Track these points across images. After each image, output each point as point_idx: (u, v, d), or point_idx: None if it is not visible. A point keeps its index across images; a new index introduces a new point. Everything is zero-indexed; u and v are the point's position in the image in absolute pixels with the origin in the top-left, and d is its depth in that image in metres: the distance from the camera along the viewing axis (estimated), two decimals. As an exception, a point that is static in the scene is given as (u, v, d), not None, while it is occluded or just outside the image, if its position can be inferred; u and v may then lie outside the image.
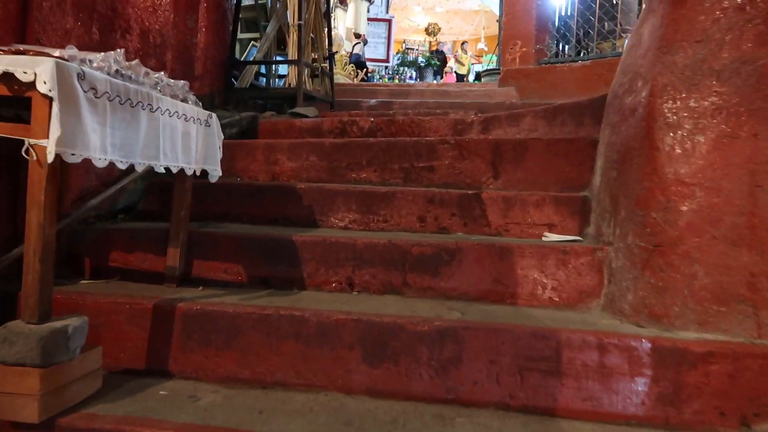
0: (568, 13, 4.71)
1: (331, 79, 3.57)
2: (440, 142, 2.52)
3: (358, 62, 9.39)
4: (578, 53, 4.80)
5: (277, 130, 3.10)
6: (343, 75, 6.20)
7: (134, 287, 1.92)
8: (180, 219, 1.94)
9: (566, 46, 4.73)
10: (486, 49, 18.13)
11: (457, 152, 2.50)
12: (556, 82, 4.58)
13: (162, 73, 1.78)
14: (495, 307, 1.78)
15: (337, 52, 6.89)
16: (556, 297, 1.80)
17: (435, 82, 15.50)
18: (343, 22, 7.19)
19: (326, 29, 3.68)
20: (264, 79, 3.86)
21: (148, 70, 1.71)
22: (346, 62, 6.48)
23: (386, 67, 13.58)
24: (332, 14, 7.39)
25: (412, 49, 16.81)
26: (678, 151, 1.56)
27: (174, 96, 1.81)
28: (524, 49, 4.80)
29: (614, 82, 2.14)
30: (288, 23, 3.30)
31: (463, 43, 14.81)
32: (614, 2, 4.97)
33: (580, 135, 2.60)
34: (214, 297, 1.79)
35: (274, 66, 3.86)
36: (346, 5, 7.21)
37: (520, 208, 2.14)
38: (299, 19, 3.21)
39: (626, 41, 5.15)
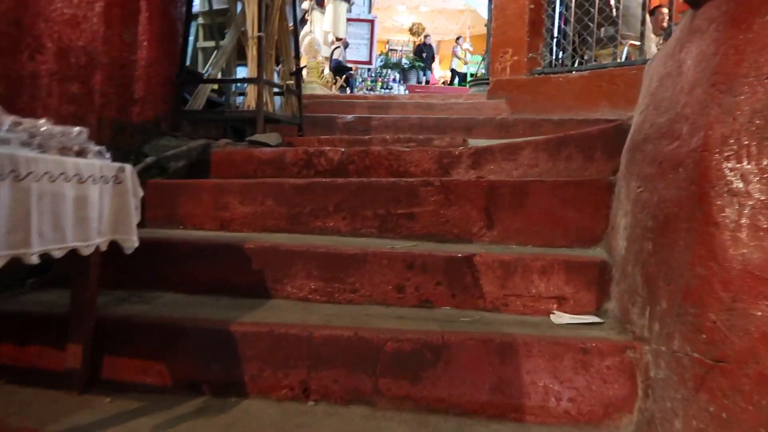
0: (564, 18, 4.29)
1: (299, 97, 3.11)
2: (422, 184, 2.08)
3: (339, 67, 8.91)
4: (575, 62, 4.38)
5: (232, 162, 2.64)
6: (319, 84, 5.75)
7: (23, 396, 1.46)
8: (83, 306, 1.48)
9: (562, 55, 4.31)
10: (472, 49, 17.72)
11: (442, 196, 2.06)
12: (552, 94, 4.16)
13: (43, 120, 1.31)
14: (496, 425, 1.34)
15: (313, 58, 6.43)
16: (574, 411, 1.36)
17: (424, 77, 15.07)
18: (320, 26, 6.74)
19: (294, 40, 3.22)
20: (226, 98, 3.41)
21: (20, 120, 1.25)
22: (323, 70, 6.02)
23: (369, 69, 13.12)
24: (308, 17, 6.92)
25: (396, 50, 16.35)
26: (746, 230, 1.14)
27: (64, 150, 1.35)
28: (515, 57, 4.37)
29: (640, 117, 1.71)
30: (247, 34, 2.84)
31: (458, 38, 14.30)
32: (613, 6, 4.56)
33: (589, 173, 2.17)
34: (123, 417, 1.34)
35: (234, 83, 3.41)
36: (323, 8, 6.75)
37: (521, 276, 1.71)
38: (260, 30, 2.75)
39: (625, 49, 4.74)
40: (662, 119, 1.47)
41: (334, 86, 6.38)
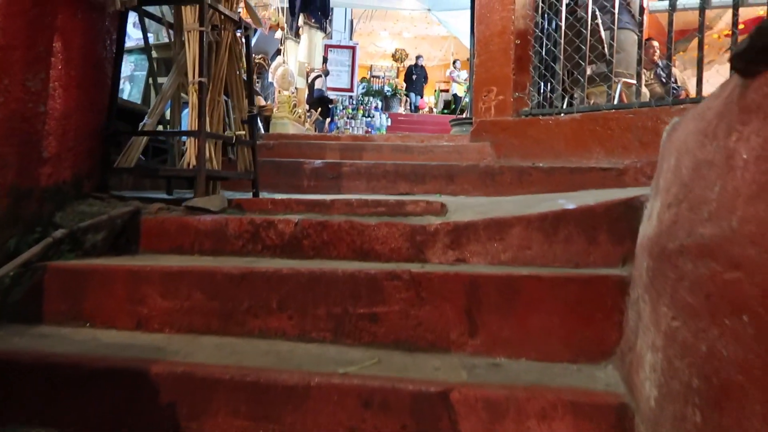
0: (553, 56, 3.94)
1: (253, 149, 2.69)
2: (389, 276, 1.66)
3: (322, 98, 8.54)
4: (565, 103, 4.03)
5: (165, 233, 2.20)
6: (291, 120, 5.35)
7: None
8: None
9: (551, 95, 3.95)
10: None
11: (413, 293, 1.64)
12: (541, 137, 3.79)
13: None
14: None
15: (286, 91, 6.03)
16: None
17: (414, 101, 14.73)
18: (294, 56, 6.36)
19: (248, 83, 2.81)
20: (170, 150, 2.97)
21: None
22: (294, 104, 5.62)
23: (350, 97, 12.78)
24: (282, 47, 6.55)
25: (379, 76, 16.07)
26: None
27: None
28: (501, 96, 4.01)
29: (669, 214, 1.31)
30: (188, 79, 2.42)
31: (454, 62, 14.04)
32: (606, 43, 4.23)
33: (593, 258, 1.76)
34: None
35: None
36: (299, 37, 6.39)
37: (514, 421, 1.28)
38: (201, 73, 2.34)
39: (619, 86, 4.41)
40: (707, 230, 1.06)
41: (307, 122, 5.98)
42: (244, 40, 2.78)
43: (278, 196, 2.70)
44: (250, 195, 2.86)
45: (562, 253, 1.81)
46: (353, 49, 12.95)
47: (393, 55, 17.66)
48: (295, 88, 6.70)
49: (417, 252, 1.96)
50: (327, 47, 12.79)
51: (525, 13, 4.03)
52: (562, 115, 3.78)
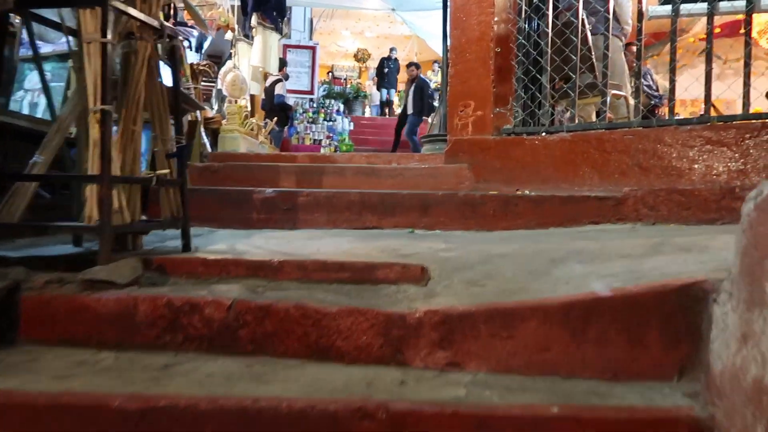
0: (539, 67, 3.47)
1: (183, 189, 2.12)
2: (356, 415, 1.13)
3: (283, 105, 7.94)
4: (553, 120, 3.58)
5: (53, 318, 1.63)
6: (243, 133, 4.75)
7: None
8: None
9: (538, 110, 3.48)
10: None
11: (392, 439, 1.12)
12: (526, 160, 3.31)
13: None
14: None
15: (235, 101, 5.42)
16: None
17: (387, 96, 14.09)
18: (247, 59, 5.76)
19: (175, 106, 2.23)
20: (74, 196, 2.38)
21: None
22: (246, 114, 5.00)
23: (311, 100, 12.17)
24: (233, 51, 5.93)
25: (339, 77, 15.48)
26: None
27: None
28: (479, 112, 3.52)
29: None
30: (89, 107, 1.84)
31: (434, 62, 13.47)
32: (595, 50, 3.79)
33: (638, 367, 1.27)
34: None
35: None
36: (251, 39, 5.78)
37: None
38: (104, 99, 1.77)
39: (608, 98, 3.97)
40: None
41: (261, 133, 5.37)
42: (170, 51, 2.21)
43: (214, 251, 2.13)
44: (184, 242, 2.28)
45: (594, 358, 1.32)
46: (313, 49, 12.33)
47: (355, 56, 17.10)
48: (249, 95, 6.09)
49: (393, 351, 1.44)
50: (285, 47, 12.16)
51: (506, 16, 3.55)
52: (550, 134, 3.31)
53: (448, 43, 4.11)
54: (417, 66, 9.83)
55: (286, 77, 8.77)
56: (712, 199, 2.74)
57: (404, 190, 3.31)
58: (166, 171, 2.08)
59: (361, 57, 16.92)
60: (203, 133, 4.26)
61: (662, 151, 3.00)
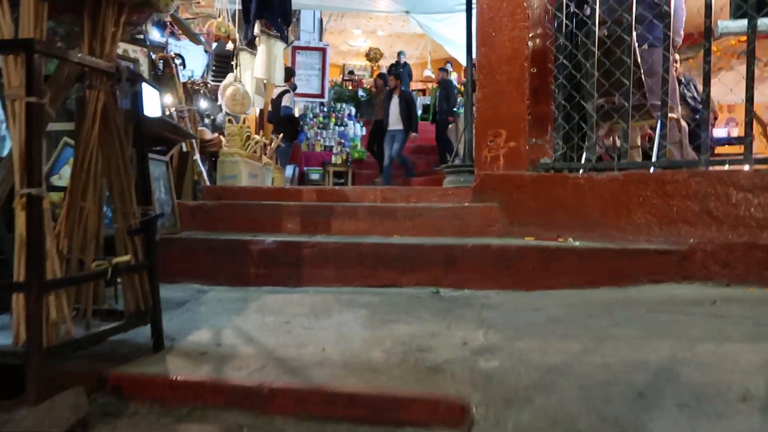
0: (581, 89, 2.97)
1: (152, 271, 1.67)
2: None
3: (290, 117, 7.45)
4: (600, 157, 3.08)
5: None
6: (243, 156, 4.28)
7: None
8: None
9: (583, 143, 2.98)
10: (433, 76, 16.52)
11: None
12: (568, 201, 2.82)
13: None
14: None
15: (234, 120, 4.95)
16: None
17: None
18: (250, 71, 5.29)
19: (139, 172, 1.77)
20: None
21: None
22: (248, 135, 4.52)
23: (321, 104, 11.71)
24: (233, 62, 5.45)
25: (351, 79, 14.94)
26: None
27: None
28: (512, 143, 3.03)
29: None
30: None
31: (447, 62, 12.54)
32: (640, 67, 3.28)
33: None
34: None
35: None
36: (254, 48, 5.31)
37: None
38: (29, 180, 1.31)
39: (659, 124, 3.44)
40: None
41: (266, 153, 4.89)
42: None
43: (192, 349, 1.67)
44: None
45: None
46: (323, 51, 11.83)
47: (367, 55, 16.58)
48: (254, 109, 5.63)
49: None
50: (294, 49, 11.70)
51: (543, 31, 3.05)
52: (597, 171, 2.81)
53: (473, 57, 3.61)
54: (397, 76, 9.06)
55: (294, 87, 8.28)
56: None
57: (425, 237, 2.84)
58: (127, 257, 1.62)
59: (373, 56, 16.39)
60: (200, 161, 3.81)
61: (738, 197, 2.49)
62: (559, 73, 2.94)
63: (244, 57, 5.42)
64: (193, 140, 3.57)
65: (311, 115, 11.20)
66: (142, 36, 3.62)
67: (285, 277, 2.67)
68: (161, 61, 3.64)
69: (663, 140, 2.71)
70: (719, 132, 5.98)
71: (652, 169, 2.83)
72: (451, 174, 3.57)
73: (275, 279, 2.68)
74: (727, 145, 5.76)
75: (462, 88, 9.23)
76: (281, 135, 5.55)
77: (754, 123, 6.27)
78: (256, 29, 5.40)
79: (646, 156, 3.46)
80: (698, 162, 2.60)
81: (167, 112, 3.70)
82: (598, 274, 2.56)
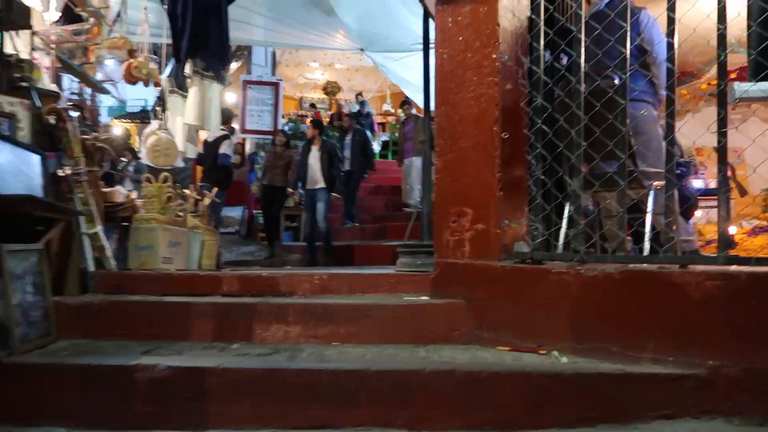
0: (560, 156, 2.42)
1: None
2: None
3: (226, 169, 6.69)
4: (593, 245, 2.50)
5: None
6: (162, 222, 3.58)
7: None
8: None
9: (569, 228, 2.41)
10: (392, 110, 16.09)
11: None
12: (551, 303, 2.24)
13: None
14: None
15: (151, 179, 4.23)
16: None
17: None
18: (180, 117, 4.62)
19: None
20: None
21: None
22: (168, 196, 3.79)
23: (273, 141, 11.04)
24: (158, 109, 4.77)
25: (305, 115, 14.30)
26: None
27: None
28: (480, 225, 2.44)
29: None
30: None
31: (403, 103, 11.29)
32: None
33: None
34: None
35: None
36: (185, 90, 4.64)
37: None
38: None
39: (650, 197, 2.87)
40: None
41: (193, 213, 4.20)
42: None
43: None
44: None
45: None
46: (276, 85, 11.22)
47: (324, 88, 16.04)
48: (183, 160, 4.94)
49: None
50: (246, 84, 11.08)
51: (515, 87, 2.50)
52: (584, 263, 2.24)
53: (432, 106, 3.03)
54: (315, 124, 7.68)
55: (232, 131, 7.55)
56: None
57: (372, 347, 2.20)
58: None
59: (330, 90, 15.87)
60: (102, 236, 3.09)
61: (770, 309, 1.94)
62: (537, 141, 2.37)
63: (173, 100, 4.74)
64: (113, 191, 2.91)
65: (263, 153, 10.53)
66: (26, 84, 2.93)
67: (184, 417, 1.98)
68: (52, 114, 2.94)
69: (669, 228, 2.15)
70: (697, 184, 5.58)
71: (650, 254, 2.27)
72: (406, 255, 2.95)
73: (171, 420, 1.98)
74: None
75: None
76: (215, 189, 4.85)
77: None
78: (188, 69, 4.75)
79: (636, 235, 2.90)
80: (716, 258, 2.04)
81: (61, 173, 3.00)
82: (594, 407, 1.96)
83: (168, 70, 4.94)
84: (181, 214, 3.93)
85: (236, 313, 2.43)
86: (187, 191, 4.41)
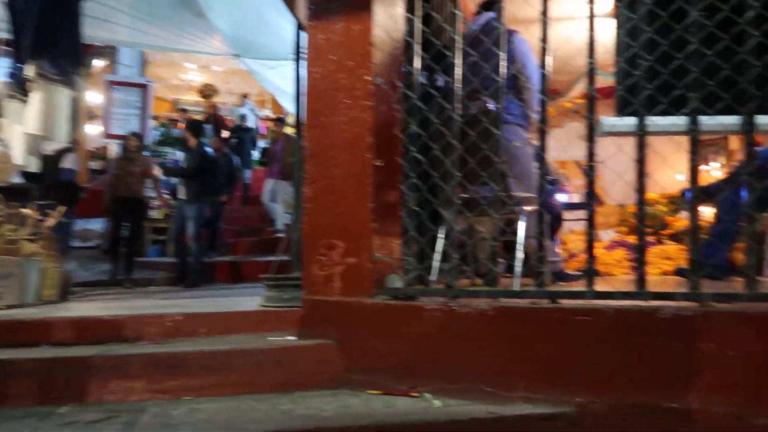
0: (443, 194, 2.33)
1: None
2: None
3: (69, 185, 5.84)
4: (470, 276, 2.42)
5: None
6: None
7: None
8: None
9: (444, 263, 2.31)
10: (272, 115, 15.62)
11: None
12: (425, 341, 2.12)
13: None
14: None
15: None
16: None
17: (248, 174, 10.64)
18: (20, 126, 4.03)
19: None
20: None
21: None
22: (-1, 221, 3.24)
23: (142, 147, 10.25)
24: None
25: (186, 110, 13.43)
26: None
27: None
28: (352, 259, 2.28)
29: None
30: None
31: (277, 120, 9.88)
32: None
33: None
34: None
35: None
36: (25, 95, 4.06)
37: None
38: None
39: (523, 223, 2.85)
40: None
41: (32, 236, 3.63)
42: None
43: None
44: None
45: None
46: (145, 87, 10.46)
47: (200, 91, 15.24)
48: (25, 173, 4.31)
49: None
50: (111, 84, 10.23)
51: (389, 112, 2.37)
52: (456, 298, 2.15)
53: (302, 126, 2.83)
54: (193, 128, 7.02)
55: (74, 143, 6.67)
56: None
57: (232, 399, 1.94)
58: None
59: (207, 93, 15.10)
60: None
61: (635, 342, 1.94)
62: (411, 169, 2.25)
63: (11, 106, 4.14)
64: None
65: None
66: None
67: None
68: None
69: (540, 264, 2.12)
70: (562, 198, 5.82)
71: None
72: (272, 289, 2.71)
73: None
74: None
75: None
76: (61, 208, 4.26)
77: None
78: (31, 71, 4.17)
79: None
80: (585, 294, 2.03)
81: None
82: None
83: (5, 72, 4.32)
84: (13, 238, 3.39)
85: (66, 368, 2.06)
86: (28, 211, 3.85)
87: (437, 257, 2.41)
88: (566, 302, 2.05)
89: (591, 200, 2.11)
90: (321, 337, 2.27)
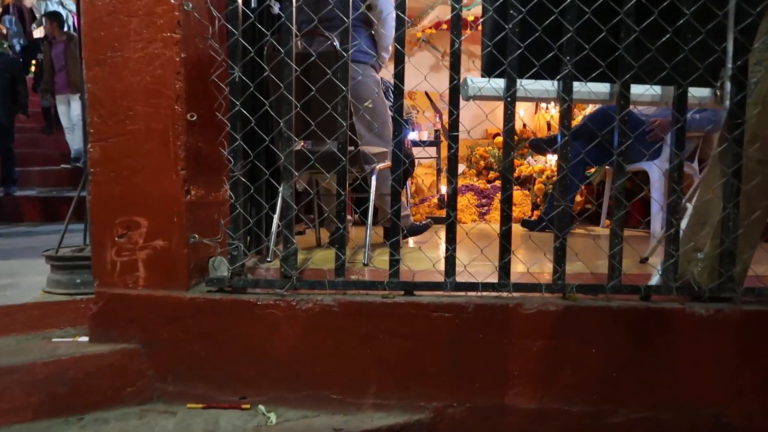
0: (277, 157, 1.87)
1: None
2: None
3: None
4: (302, 269, 1.99)
5: None
6: None
7: None
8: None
9: (283, 248, 1.89)
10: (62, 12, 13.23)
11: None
12: (257, 341, 1.73)
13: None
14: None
15: None
16: None
17: None
18: None
19: None
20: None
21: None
22: None
23: None
24: None
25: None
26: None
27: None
28: (160, 242, 1.77)
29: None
30: None
31: (53, 15, 8.46)
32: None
33: None
34: None
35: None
36: None
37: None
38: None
39: (374, 179, 2.50)
40: None
41: None
42: None
43: None
44: None
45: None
46: None
47: None
48: None
49: None
50: None
51: (205, 51, 1.81)
52: (296, 290, 1.77)
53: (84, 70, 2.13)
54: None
55: None
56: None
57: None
58: None
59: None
60: None
61: (497, 340, 1.73)
62: (236, 129, 1.75)
63: None
64: None
65: None
66: None
67: None
68: None
69: (395, 250, 1.79)
70: (412, 136, 5.56)
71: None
72: (59, 271, 2.09)
73: None
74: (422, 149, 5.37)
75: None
76: None
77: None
78: None
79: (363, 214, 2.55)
80: (443, 285, 1.76)
81: None
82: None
83: None
84: None
85: None
86: None
87: (273, 237, 1.98)
88: (423, 294, 1.78)
89: (453, 201, 1.80)
90: (122, 340, 1.77)
